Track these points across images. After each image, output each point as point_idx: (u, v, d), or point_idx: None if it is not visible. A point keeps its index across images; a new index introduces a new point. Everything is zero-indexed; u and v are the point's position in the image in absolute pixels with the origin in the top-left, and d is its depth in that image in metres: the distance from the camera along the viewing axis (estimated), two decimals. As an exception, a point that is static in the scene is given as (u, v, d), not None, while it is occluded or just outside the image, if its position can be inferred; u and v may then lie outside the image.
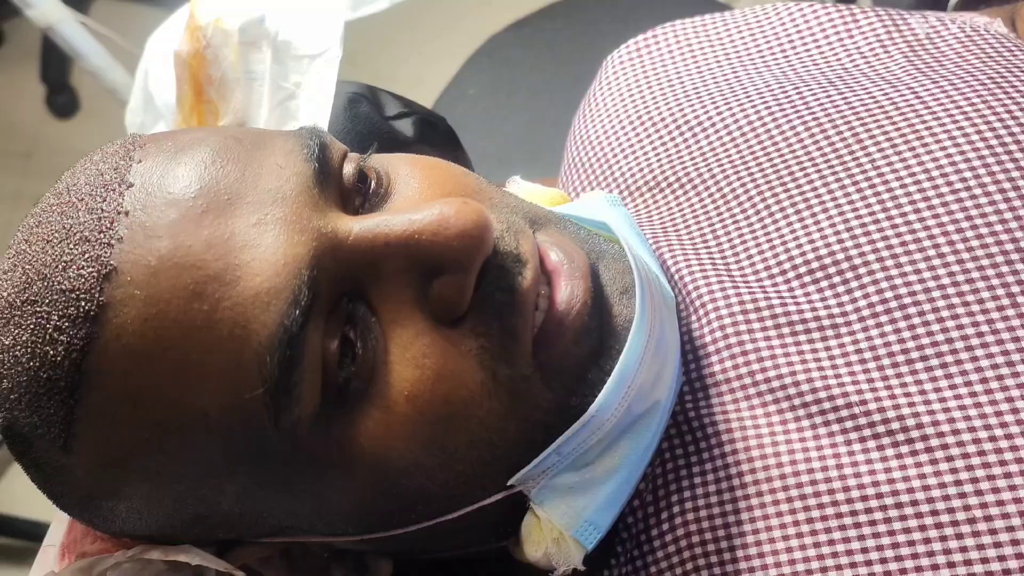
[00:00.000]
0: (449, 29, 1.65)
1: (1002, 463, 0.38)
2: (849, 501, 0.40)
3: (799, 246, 0.46)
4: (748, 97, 0.52)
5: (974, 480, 0.38)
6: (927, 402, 0.40)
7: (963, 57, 0.50)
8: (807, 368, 0.42)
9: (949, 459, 0.39)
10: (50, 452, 0.37)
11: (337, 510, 0.40)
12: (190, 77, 0.59)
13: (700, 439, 0.43)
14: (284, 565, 0.44)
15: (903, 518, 0.39)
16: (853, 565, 0.39)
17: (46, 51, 1.74)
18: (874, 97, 0.48)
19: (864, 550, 0.39)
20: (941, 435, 0.39)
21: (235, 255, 0.35)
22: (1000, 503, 0.38)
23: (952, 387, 0.40)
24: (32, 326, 0.36)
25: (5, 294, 0.37)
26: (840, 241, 0.45)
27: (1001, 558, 0.37)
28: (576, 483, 0.40)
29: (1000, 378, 0.40)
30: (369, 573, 0.45)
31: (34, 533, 1.34)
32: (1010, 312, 0.41)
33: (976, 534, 0.38)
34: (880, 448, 0.40)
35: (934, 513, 0.38)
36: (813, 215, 0.46)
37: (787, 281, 0.45)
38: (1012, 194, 0.43)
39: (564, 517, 0.40)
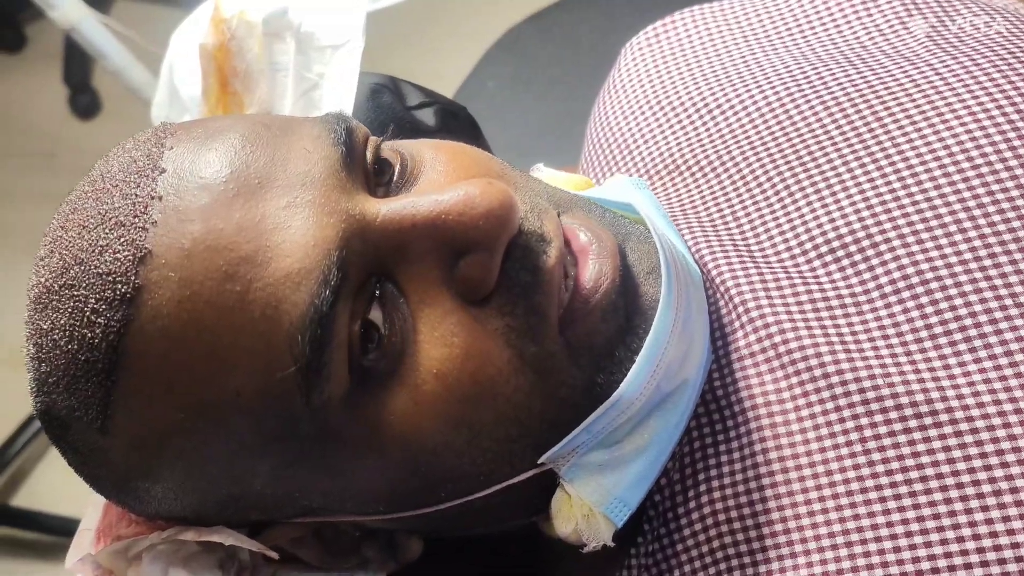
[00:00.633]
0: (467, 23, 1.66)
1: None
2: (874, 475, 0.40)
3: (820, 226, 0.46)
4: (767, 78, 0.52)
5: (999, 452, 0.38)
6: (951, 377, 0.40)
7: (983, 32, 0.50)
8: (830, 343, 0.43)
9: (973, 431, 0.39)
10: (87, 434, 0.38)
11: (368, 489, 0.40)
12: (215, 69, 0.60)
13: (728, 416, 0.43)
14: (316, 545, 0.44)
15: (928, 492, 0.39)
16: (878, 539, 0.39)
17: (68, 53, 1.77)
18: (892, 74, 0.48)
19: (889, 524, 0.39)
20: (966, 408, 0.39)
21: (266, 237, 0.36)
22: None
23: (977, 361, 0.40)
24: (70, 310, 0.37)
25: (43, 280, 0.38)
26: (861, 220, 0.45)
27: None
28: (606, 461, 0.40)
29: None
30: (400, 551, 0.45)
31: (63, 528, 1.36)
32: None
33: (1002, 505, 0.38)
34: (903, 420, 0.40)
35: (959, 486, 0.38)
36: (833, 194, 0.46)
37: (809, 261, 0.45)
38: None
39: (594, 494, 0.40)
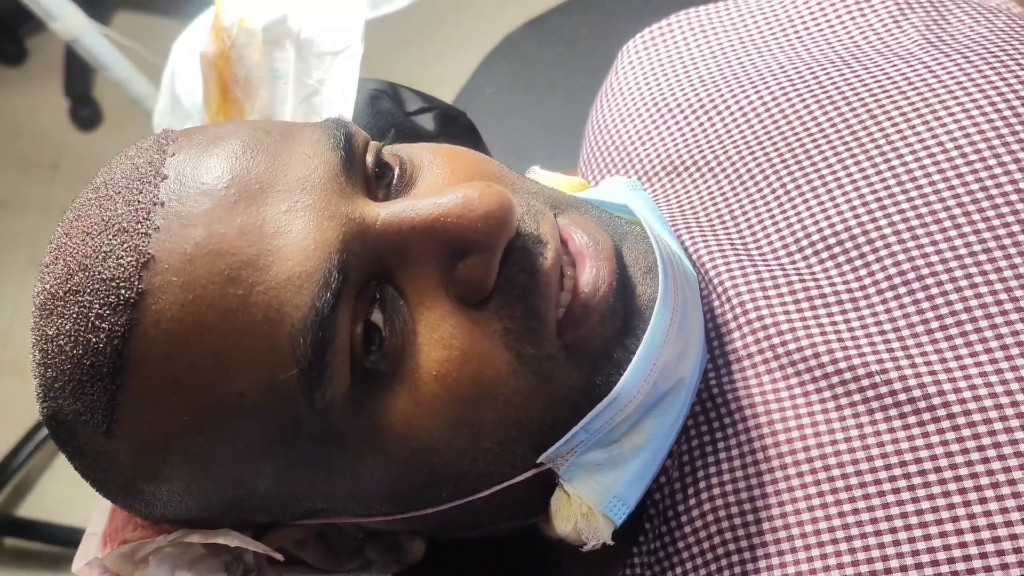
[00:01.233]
0: (466, 28, 1.67)
1: None
2: (872, 471, 0.40)
3: (815, 223, 0.46)
4: (762, 79, 0.52)
5: (996, 445, 0.39)
6: (948, 370, 0.41)
7: (976, 31, 0.50)
8: (827, 340, 0.43)
9: (971, 425, 0.39)
10: (93, 438, 0.39)
11: (370, 489, 0.40)
12: (216, 77, 0.60)
13: (724, 415, 0.44)
14: (319, 546, 0.45)
15: (926, 485, 0.39)
16: (878, 533, 0.39)
17: (69, 65, 1.78)
18: (887, 73, 0.49)
19: (888, 518, 0.39)
20: (963, 402, 0.40)
21: (267, 241, 0.37)
22: None
23: (973, 355, 0.41)
24: (75, 315, 0.37)
25: (48, 286, 0.38)
26: (856, 216, 0.45)
27: None
28: (604, 460, 0.40)
29: (1020, 344, 0.40)
30: (403, 553, 0.46)
31: (68, 539, 1.36)
32: None
33: (1000, 498, 0.38)
34: (902, 416, 0.40)
35: (957, 479, 0.39)
36: (828, 192, 0.46)
37: (805, 258, 0.46)
38: None
39: (593, 493, 0.40)
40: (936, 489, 0.39)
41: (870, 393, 0.41)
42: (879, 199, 0.45)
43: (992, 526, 0.38)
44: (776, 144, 0.50)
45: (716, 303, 0.46)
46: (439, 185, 0.41)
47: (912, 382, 0.41)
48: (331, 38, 0.58)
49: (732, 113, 0.52)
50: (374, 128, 0.59)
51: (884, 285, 0.43)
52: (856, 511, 0.40)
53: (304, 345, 0.36)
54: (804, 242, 0.46)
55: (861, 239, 0.45)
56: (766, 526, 0.41)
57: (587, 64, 0.96)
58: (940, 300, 0.42)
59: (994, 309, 0.41)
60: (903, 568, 0.38)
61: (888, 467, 0.40)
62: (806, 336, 0.43)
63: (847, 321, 0.43)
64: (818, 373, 0.42)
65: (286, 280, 0.36)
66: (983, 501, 0.38)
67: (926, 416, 0.40)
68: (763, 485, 0.42)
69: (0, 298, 1.62)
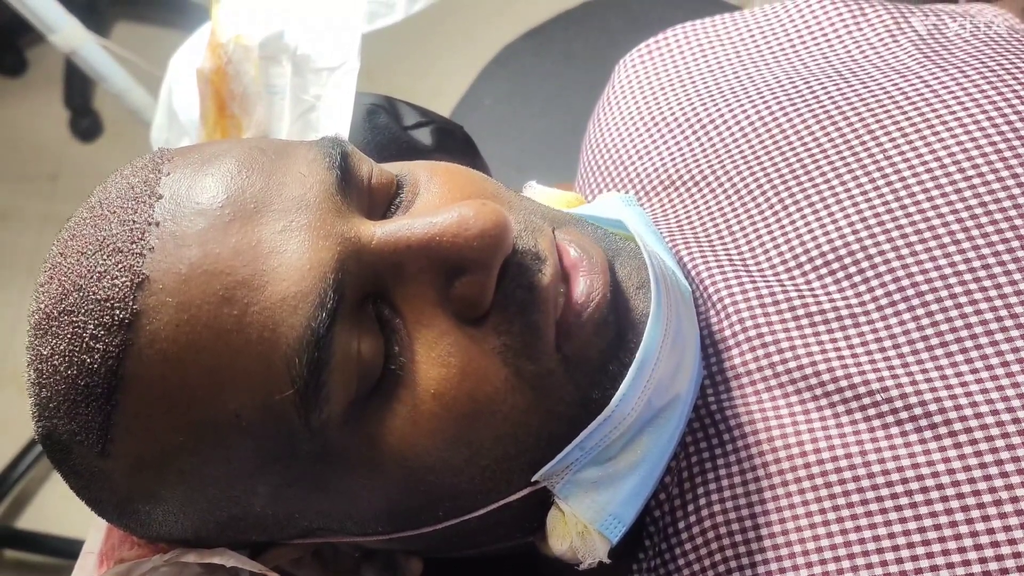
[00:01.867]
0: (463, 40, 1.67)
1: None
2: (874, 487, 0.40)
3: (814, 239, 0.46)
4: (759, 93, 0.52)
5: (998, 462, 0.39)
6: (948, 387, 0.41)
7: (972, 45, 0.50)
8: (827, 357, 0.43)
9: (973, 442, 0.39)
10: (88, 458, 0.39)
11: (367, 509, 0.40)
12: (213, 93, 0.60)
13: (723, 431, 0.44)
14: (316, 566, 0.45)
15: (928, 502, 0.39)
16: (880, 551, 0.39)
17: (69, 76, 1.78)
18: (884, 88, 0.49)
19: (891, 535, 0.39)
20: (964, 419, 0.40)
21: (262, 261, 0.36)
22: None
23: (973, 371, 0.41)
24: (69, 335, 0.37)
25: (43, 306, 0.38)
26: (855, 232, 0.45)
27: None
28: (600, 478, 0.40)
29: (1021, 360, 0.40)
30: (399, 571, 0.45)
31: (67, 551, 1.36)
32: None
33: (1003, 515, 0.38)
34: (903, 434, 0.40)
35: (959, 496, 0.39)
36: (827, 207, 0.46)
37: (804, 274, 0.46)
38: None
39: (589, 511, 0.40)
40: (938, 506, 0.39)
41: (871, 409, 0.41)
42: (878, 215, 0.45)
43: (996, 544, 0.38)
44: (774, 159, 0.50)
45: (714, 319, 0.46)
46: (435, 204, 0.41)
47: (913, 398, 0.41)
48: (327, 54, 0.58)
49: (730, 128, 0.52)
50: (371, 143, 0.59)
51: (884, 301, 0.43)
52: (858, 528, 0.40)
53: (300, 365, 0.36)
54: (803, 258, 0.46)
55: (860, 255, 0.45)
56: (767, 542, 0.41)
57: (585, 75, 0.96)
58: (940, 316, 0.42)
59: (994, 325, 0.41)
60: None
61: (890, 483, 0.40)
62: (806, 353, 0.43)
63: (847, 337, 0.43)
64: (819, 391, 0.42)
65: (281, 300, 0.36)
66: (985, 519, 0.38)
67: (927, 432, 0.40)
68: (763, 501, 0.42)
69: (-1, 310, 1.63)
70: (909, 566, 0.38)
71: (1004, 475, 0.38)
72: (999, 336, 0.41)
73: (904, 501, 0.39)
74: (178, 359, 0.36)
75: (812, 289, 0.45)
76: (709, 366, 0.45)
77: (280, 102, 0.58)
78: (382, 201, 0.41)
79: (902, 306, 0.43)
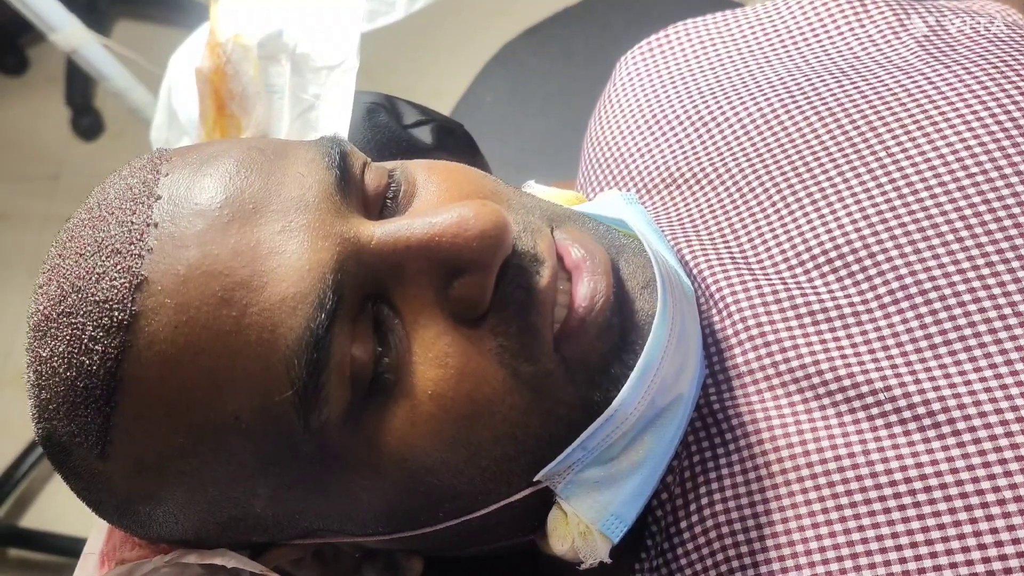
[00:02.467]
0: (464, 38, 1.67)
1: None
2: (877, 486, 0.40)
3: (816, 236, 0.46)
4: (761, 91, 0.52)
5: (1002, 461, 0.38)
6: (952, 385, 0.40)
7: (975, 42, 0.50)
8: (830, 356, 0.43)
9: (976, 441, 0.39)
10: (88, 460, 0.38)
11: (367, 509, 0.40)
12: (212, 92, 0.60)
13: (725, 430, 0.44)
14: (316, 566, 0.45)
15: (931, 500, 0.39)
16: (883, 549, 0.39)
17: (70, 75, 1.78)
18: (886, 84, 0.48)
19: (894, 535, 0.39)
20: (968, 417, 0.40)
21: (261, 262, 0.36)
22: None
23: (976, 369, 0.40)
24: (68, 337, 0.37)
25: (41, 308, 0.38)
26: (857, 230, 0.45)
27: None
28: (602, 477, 0.40)
29: (1021, 348, 0.40)
30: (400, 572, 0.45)
31: (70, 549, 1.36)
32: None
33: (1006, 515, 0.38)
34: (907, 433, 0.40)
35: (963, 496, 0.38)
36: (829, 204, 0.46)
37: (806, 272, 0.46)
38: None
39: (590, 511, 0.40)
40: (941, 504, 0.39)
41: (873, 408, 0.41)
42: (880, 211, 0.45)
43: (999, 543, 0.37)
44: (776, 156, 0.49)
45: (716, 317, 0.46)
46: (435, 203, 0.40)
47: (916, 396, 0.41)
48: (327, 52, 0.58)
49: (731, 125, 0.52)
50: (371, 141, 0.59)
51: (887, 300, 0.43)
52: (860, 526, 0.39)
53: (299, 366, 0.36)
54: (805, 255, 0.46)
55: (862, 252, 0.44)
56: (769, 541, 0.41)
57: (586, 72, 0.96)
58: (943, 314, 0.42)
59: (998, 324, 0.41)
60: (905, 574, 0.38)
61: (892, 481, 0.40)
62: (808, 352, 0.43)
63: (849, 336, 0.43)
64: (821, 390, 0.42)
65: (280, 301, 0.36)
66: (989, 518, 0.38)
67: (931, 431, 0.40)
68: (766, 500, 0.41)
69: (1, 311, 1.63)
70: (912, 565, 0.38)
71: (1008, 474, 0.38)
72: (1002, 333, 0.41)
73: (907, 500, 0.39)
74: (177, 361, 0.36)
75: (814, 286, 0.45)
76: (711, 365, 0.45)
77: (279, 101, 0.58)
78: (380, 200, 0.41)
79: (904, 304, 0.43)
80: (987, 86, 0.46)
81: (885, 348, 0.42)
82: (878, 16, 0.53)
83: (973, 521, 0.38)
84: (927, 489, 0.39)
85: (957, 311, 0.42)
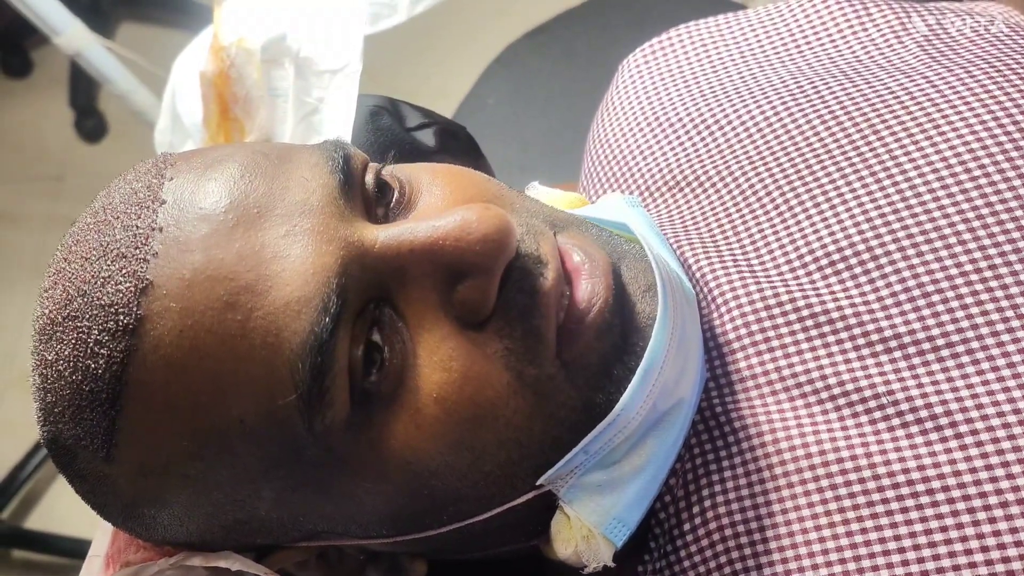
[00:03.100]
0: (466, 40, 1.67)
1: None
2: (880, 489, 0.40)
3: (819, 239, 0.46)
4: (764, 94, 0.52)
5: (1005, 464, 0.38)
6: (955, 388, 0.40)
7: (977, 44, 0.50)
8: (832, 359, 0.43)
9: (979, 444, 0.39)
10: (93, 463, 0.39)
11: (371, 512, 0.40)
12: (215, 96, 0.61)
13: (728, 433, 0.44)
14: (321, 568, 0.45)
15: (934, 504, 0.39)
16: (887, 553, 0.39)
17: (74, 77, 1.79)
18: (889, 88, 0.48)
19: (897, 535, 0.39)
20: (970, 420, 0.40)
21: (266, 266, 0.36)
22: None
23: (979, 372, 0.40)
24: (74, 341, 0.37)
25: (47, 311, 0.39)
26: (860, 232, 0.45)
27: None
28: (604, 481, 0.40)
29: (1022, 350, 0.40)
30: (404, 574, 0.46)
31: (75, 551, 1.37)
32: None
33: (1009, 517, 0.38)
34: (909, 436, 0.40)
35: (966, 498, 0.39)
36: (832, 207, 0.46)
37: (808, 274, 0.46)
38: None
39: (593, 515, 0.40)
40: (944, 508, 0.39)
41: (876, 412, 0.41)
42: (883, 214, 0.45)
43: (1002, 546, 0.37)
44: (778, 159, 0.49)
45: (718, 321, 0.46)
46: (438, 207, 0.41)
47: (919, 401, 0.41)
48: (330, 56, 0.58)
49: (734, 128, 0.52)
50: (374, 145, 0.60)
51: (889, 302, 0.43)
52: (864, 530, 0.40)
53: (303, 370, 0.36)
54: (808, 257, 0.46)
55: (865, 254, 0.44)
56: (773, 544, 0.41)
57: (588, 74, 0.96)
58: (946, 317, 0.42)
59: (1000, 326, 0.41)
60: None
61: (895, 485, 0.40)
62: (812, 357, 0.43)
63: (851, 337, 0.43)
64: (824, 394, 0.42)
65: (284, 305, 0.36)
66: (992, 520, 0.38)
67: (933, 434, 0.40)
68: (769, 503, 0.42)
69: (5, 312, 1.63)
70: (915, 568, 0.38)
71: (1010, 477, 0.38)
72: (1005, 336, 0.41)
73: (909, 500, 0.39)
74: (182, 365, 0.36)
75: (817, 290, 0.45)
76: (713, 368, 0.45)
77: (283, 105, 0.59)
78: (384, 204, 0.41)
79: (907, 307, 0.43)
80: (988, 88, 0.46)
81: (888, 351, 0.42)
82: (880, 19, 0.53)
83: (975, 522, 0.38)
84: (930, 492, 0.39)
85: (960, 313, 0.42)
